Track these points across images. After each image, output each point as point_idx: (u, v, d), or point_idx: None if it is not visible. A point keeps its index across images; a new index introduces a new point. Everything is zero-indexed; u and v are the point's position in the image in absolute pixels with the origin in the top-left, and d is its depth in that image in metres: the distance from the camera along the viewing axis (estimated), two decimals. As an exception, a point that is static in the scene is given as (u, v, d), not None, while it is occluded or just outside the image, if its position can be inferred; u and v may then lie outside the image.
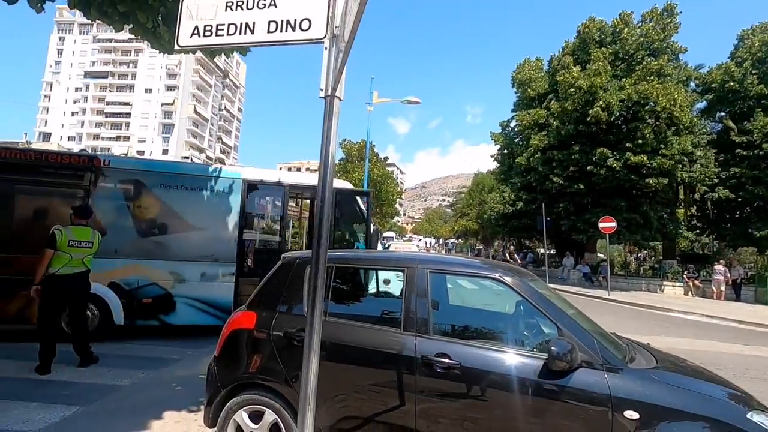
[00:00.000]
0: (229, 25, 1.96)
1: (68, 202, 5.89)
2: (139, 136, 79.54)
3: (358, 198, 7.91)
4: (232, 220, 6.71)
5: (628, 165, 18.48)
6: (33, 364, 4.53)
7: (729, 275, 17.52)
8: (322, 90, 1.79)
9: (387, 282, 3.89)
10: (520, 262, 26.59)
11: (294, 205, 9.51)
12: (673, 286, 19.32)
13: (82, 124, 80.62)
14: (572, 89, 19.48)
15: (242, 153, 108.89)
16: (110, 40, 79.53)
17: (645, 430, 2.03)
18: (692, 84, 22.10)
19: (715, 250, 25.84)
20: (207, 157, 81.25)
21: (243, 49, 5.03)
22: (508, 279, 2.56)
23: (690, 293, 18.44)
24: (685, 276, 19.11)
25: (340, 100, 1.80)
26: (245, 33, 1.93)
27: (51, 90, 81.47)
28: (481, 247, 46.19)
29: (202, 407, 3.03)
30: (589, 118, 19.12)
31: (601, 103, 18.66)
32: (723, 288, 17.32)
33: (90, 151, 36.51)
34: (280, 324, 2.76)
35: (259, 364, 2.74)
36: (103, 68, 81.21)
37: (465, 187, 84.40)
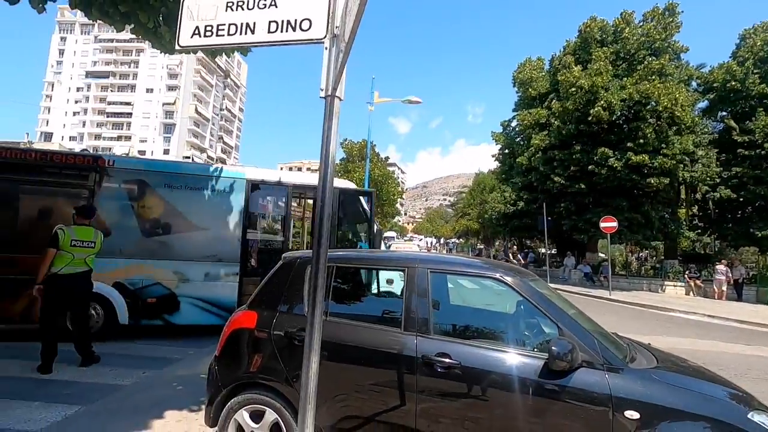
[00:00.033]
0: (229, 25, 1.96)
1: (73, 202, 5.88)
2: (140, 136, 79.58)
3: (361, 198, 7.91)
4: (236, 220, 6.72)
5: (629, 165, 18.44)
6: (35, 364, 4.55)
7: (731, 275, 17.45)
8: (322, 90, 1.79)
9: (390, 282, 3.88)
10: (522, 262, 26.57)
11: (297, 205, 9.52)
12: (674, 286, 19.28)
13: (84, 124, 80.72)
14: (573, 89, 19.45)
15: (243, 153, 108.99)
16: (111, 40, 79.59)
17: (646, 430, 2.03)
18: (694, 83, 22.04)
19: (716, 250, 25.76)
20: (208, 156, 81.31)
21: (244, 49, 5.03)
22: (508, 279, 2.56)
23: (691, 293, 18.39)
24: (686, 276, 19.05)
25: (340, 100, 1.80)
26: (246, 33, 1.94)
27: (52, 90, 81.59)
28: (482, 246, 46.11)
29: (203, 407, 3.03)
30: (590, 118, 19.10)
31: (602, 102, 18.64)
32: (724, 288, 17.27)
33: (91, 151, 36.57)
34: (281, 324, 2.77)
35: (260, 363, 2.75)
36: (105, 68, 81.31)
37: (466, 186, 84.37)
